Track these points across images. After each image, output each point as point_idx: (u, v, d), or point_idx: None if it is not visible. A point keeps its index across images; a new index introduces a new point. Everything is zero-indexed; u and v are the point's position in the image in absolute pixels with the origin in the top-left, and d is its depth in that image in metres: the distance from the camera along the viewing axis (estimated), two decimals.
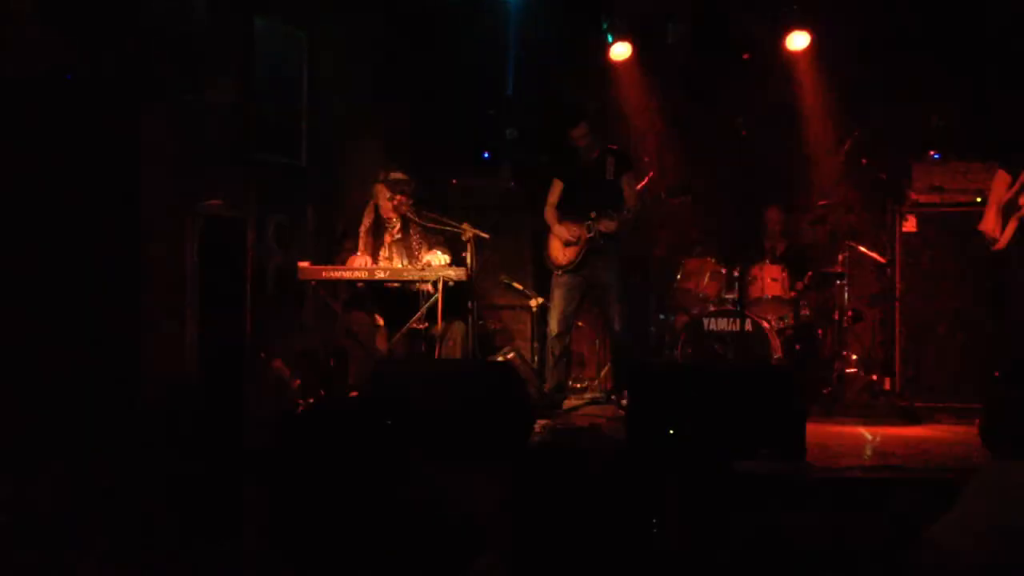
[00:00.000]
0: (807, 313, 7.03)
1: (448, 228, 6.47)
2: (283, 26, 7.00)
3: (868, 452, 5.19)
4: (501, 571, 2.03)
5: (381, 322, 6.50)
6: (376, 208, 6.64)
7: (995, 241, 5.77)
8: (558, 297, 6.65)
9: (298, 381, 5.82)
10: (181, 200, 5.13)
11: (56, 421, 4.28)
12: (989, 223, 5.79)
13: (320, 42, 7.23)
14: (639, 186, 6.87)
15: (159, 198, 5.05)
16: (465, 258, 6.34)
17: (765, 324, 6.68)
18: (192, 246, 5.03)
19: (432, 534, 2.80)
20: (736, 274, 6.82)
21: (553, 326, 6.65)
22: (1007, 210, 5.73)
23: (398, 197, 6.50)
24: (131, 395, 4.62)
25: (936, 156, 6.82)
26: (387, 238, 6.67)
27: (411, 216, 6.57)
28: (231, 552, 2.49)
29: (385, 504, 2.33)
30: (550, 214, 6.71)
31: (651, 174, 7.44)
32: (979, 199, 6.33)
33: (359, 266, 6.44)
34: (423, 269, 6.32)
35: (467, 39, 7.83)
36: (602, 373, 7.47)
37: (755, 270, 6.91)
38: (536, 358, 7.16)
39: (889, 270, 6.80)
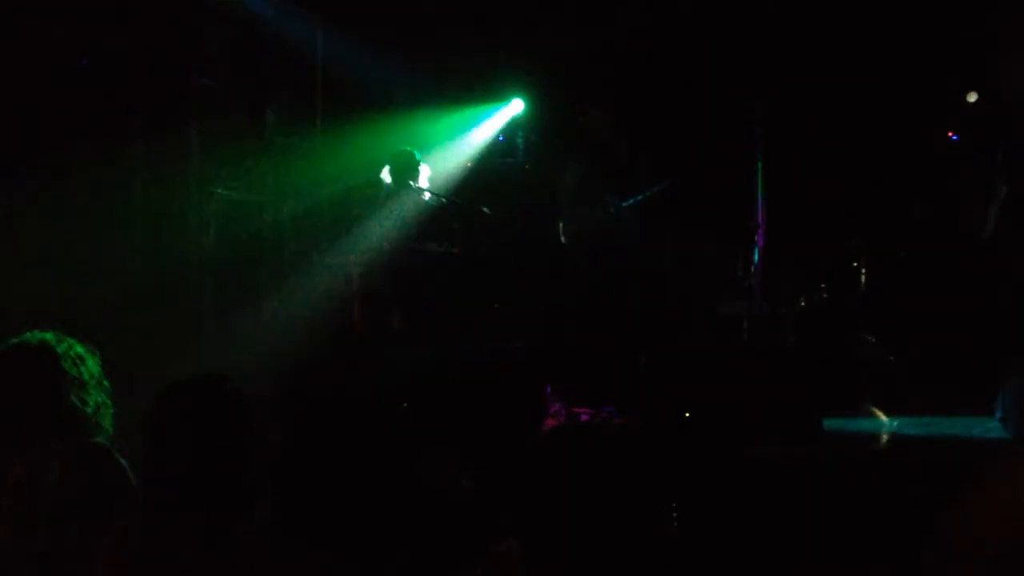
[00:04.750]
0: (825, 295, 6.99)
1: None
2: (296, 9, 6.99)
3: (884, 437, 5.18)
4: (519, 556, 2.03)
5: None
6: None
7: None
8: (572, 280, 6.64)
9: None
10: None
11: None
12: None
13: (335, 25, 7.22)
14: None
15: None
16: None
17: (780, 308, 6.65)
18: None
19: (448, 520, 2.81)
20: (752, 256, 6.78)
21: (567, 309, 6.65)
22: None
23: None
24: None
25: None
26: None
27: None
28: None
29: (399, 489, 2.33)
30: (563, 197, 6.69)
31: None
32: None
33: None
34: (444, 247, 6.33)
35: None
36: None
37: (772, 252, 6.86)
38: None
39: None
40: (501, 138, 8.19)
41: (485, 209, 6.42)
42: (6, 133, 4.74)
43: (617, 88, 7.66)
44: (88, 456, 2.90)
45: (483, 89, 7.94)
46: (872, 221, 7.18)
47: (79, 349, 3.04)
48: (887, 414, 5.80)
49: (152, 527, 2.43)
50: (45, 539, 2.82)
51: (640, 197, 6.42)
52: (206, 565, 2.36)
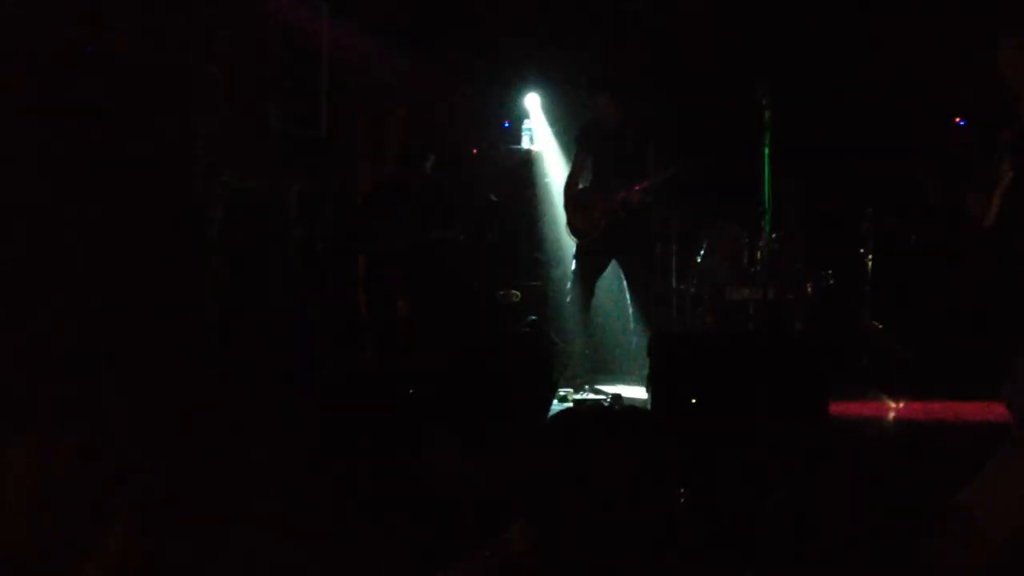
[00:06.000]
0: (832, 282, 6.98)
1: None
2: None
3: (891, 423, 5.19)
4: (528, 542, 2.04)
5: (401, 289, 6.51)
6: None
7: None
8: (579, 268, 6.62)
9: None
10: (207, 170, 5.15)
11: None
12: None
13: (341, 9, 7.20)
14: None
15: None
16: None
17: (788, 294, 6.64)
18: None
19: (457, 506, 2.82)
20: (760, 242, 6.77)
21: (574, 297, 6.63)
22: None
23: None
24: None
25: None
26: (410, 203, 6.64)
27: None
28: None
29: (408, 475, 2.34)
30: (571, 184, 6.67)
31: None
32: None
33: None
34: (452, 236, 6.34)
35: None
36: None
37: (779, 238, 6.86)
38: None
39: None
40: (506, 124, 8.18)
41: (493, 196, 6.43)
42: (6, 125, 4.73)
43: (625, 74, 7.64)
44: (93, 449, 2.92)
45: (492, 77, 7.93)
46: (880, 207, 7.16)
47: (84, 341, 3.06)
48: (893, 400, 5.80)
49: (155, 523, 2.44)
50: (47, 533, 2.84)
51: (647, 183, 6.40)
52: (208, 561, 2.37)
